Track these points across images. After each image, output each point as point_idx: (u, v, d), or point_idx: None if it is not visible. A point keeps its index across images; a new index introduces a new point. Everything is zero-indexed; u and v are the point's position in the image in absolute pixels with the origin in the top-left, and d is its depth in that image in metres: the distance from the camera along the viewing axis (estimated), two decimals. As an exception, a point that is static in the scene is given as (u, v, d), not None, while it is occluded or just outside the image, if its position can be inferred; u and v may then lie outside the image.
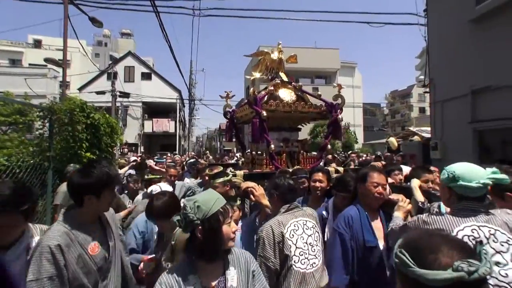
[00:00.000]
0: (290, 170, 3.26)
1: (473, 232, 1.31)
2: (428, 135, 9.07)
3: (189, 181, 4.53)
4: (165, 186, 2.58)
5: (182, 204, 1.47)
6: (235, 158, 11.61)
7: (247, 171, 3.53)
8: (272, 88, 3.76)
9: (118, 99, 16.61)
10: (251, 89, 3.47)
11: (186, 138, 30.78)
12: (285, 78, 3.96)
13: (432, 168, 3.10)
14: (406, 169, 3.60)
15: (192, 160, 7.34)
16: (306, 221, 1.94)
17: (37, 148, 4.26)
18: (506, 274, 1.21)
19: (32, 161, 3.94)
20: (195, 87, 27.82)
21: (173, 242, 1.62)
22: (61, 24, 8.13)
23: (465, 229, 1.33)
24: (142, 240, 2.36)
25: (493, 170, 1.44)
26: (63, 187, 3.63)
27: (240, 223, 2.44)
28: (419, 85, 28.49)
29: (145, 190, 3.67)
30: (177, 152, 21.62)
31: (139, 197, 3.56)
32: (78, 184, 1.51)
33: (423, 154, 8.43)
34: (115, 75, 16.51)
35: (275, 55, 3.97)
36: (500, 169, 2.89)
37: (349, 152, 13.87)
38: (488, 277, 0.65)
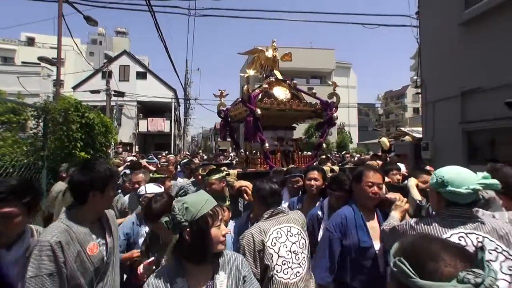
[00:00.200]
0: (285, 169, 3.27)
1: (460, 240, 1.27)
2: (419, 135, 9.21)
3: (181, 181, 4.53)
4: (152, 187, 2.52)
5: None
6: (230, 158, 11.62)
7: (241, 170, 3.51)
8: (266, 86, 3.73)
9: (113, 98, 16.52)
10: (245, 86, 3.42)
11: (181, 137, 30.66)
12: (279, 76, 3.94)
13: (428, 168, 3.11)
14: (402, 168, 3.64)
15: (185, 160, 7.33)
16: (290, 227, 1.85)
17: (31, 148, 4.22)
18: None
19: (26, 161, 3.91)
20: (190, 86, 27.72)
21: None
22: (55, 22, 8.05)
23: (452, 236, 1.29)
24: (126, 242, 2.34)
25: (483, 175, 1.37)
26: (57, 186, 3.62)
27: (233, 224, 2.42)
28: (413, 86, 28.80)
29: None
30: (172, 151, 21.55)
31: (126, 199, 3.34)
32: (83, 180, 1.52)
33: (414, 154, 8.56)
34: (109, 74, 16.37)
35: (269, 53, 3.95)
36: (494, 168, 2.93)
37: (343, 152, 14.01)
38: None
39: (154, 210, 1.82)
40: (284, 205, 2.76)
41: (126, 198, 3.30)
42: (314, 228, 2.34)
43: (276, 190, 1.95)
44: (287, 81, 3.98)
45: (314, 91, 4.27)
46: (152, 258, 1.84)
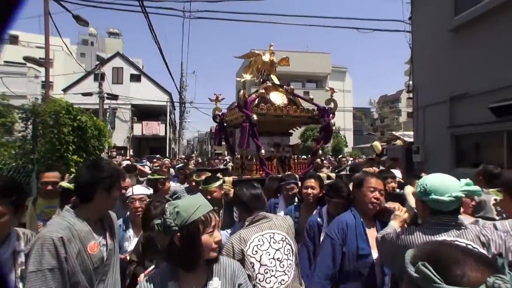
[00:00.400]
0: (280, 176, 3.24)
1: None
2: (410, 139, 9.45)
3: (173, 185, 4.46)
4: (140, 188, 2.49)
5: None
6: (225, 162, 11.55)
7: (236, 177, 3.48)
8: (263, 91, 3.70)
9: (106, 101, 16.33)
10: (241, 91, 3.38)
11: (177, 141, 30.50)
12: (276, 81, 3.91)
13: (423, 175, 3.12)
14: (397, 174, 3.62)
15: (180, 165, 7.24)
16: (273, 233, 1.77)
17: (20, 151, 4.13)
18: None
19: (14, 164, 3.83)
20: (186, 89, 27.69)
21: None
22: (40, 20, 7.76)
23: None
24: None
25: (466, 182, 1.39)
26: None
27: (226, 234, 2.38)
28: (407, 91, 29.18)
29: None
30: (167, 155, 21.38)
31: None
32: (91, 178, 1.51)
33: (406, 157, 8.71)
34: (102, 76, 16.23)
35: (266, 57, 3.91)
36: (487, 169, 2.95)
37: (340, 156, 14.04)
38: None
39: (154, 216, 1.76)
40: (281, 213, 2.79)
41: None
42: (315, 235, 2.32)
43: (257, 195, 1.87)
44: (284, 86, 3.96)
45: (311, 96, 4.22)
46: (152, 267, 1.81)
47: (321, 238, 2.25)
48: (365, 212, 1.96)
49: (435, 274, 0.61)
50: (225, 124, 4.16)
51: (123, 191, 3.07)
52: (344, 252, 1.85)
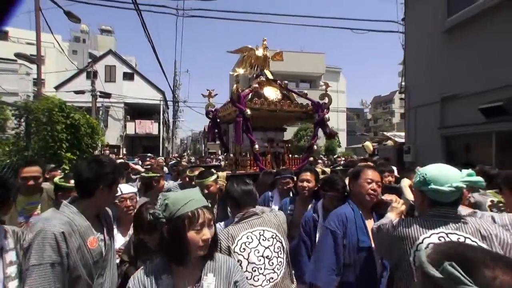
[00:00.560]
0: (275, 170, 3.23)
1: (440, 240, 1.25)
2: (401, 140, 9.59)
3: (166, 183, 4.47)
4: (127, 187, 2.45)
5: None
6: (219, 160, 11.57)
7: (230, 172, 3.46)
8: (256, 85, 3.63)
9: (99, 99, 16.16)
10: (235, 86, 3.30)
11: (170, 140, 30.32)
12: (270, 76, 3.85)
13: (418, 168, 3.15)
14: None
15: (172, 162, 7.22)
16: (263, 231, 1.73)
17: (14, 148, 4.11)
18: None
19: (9, 161, 3.80)
20: (179, 88, 27.53)
21: None
22: (31, 16, 7.68)
23: (432, 236, 1.27)
24: None
25: (468, 172, 1.33)
26: (42, 185, 3.52)
27: (222, 224, 2.35)
28: (399, 91, 29.53)
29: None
30: (160, 154, 21.26)
31: None
32: (96, 174, 1.51)
33: (397, 157, 8.83)
34: (95, 74, 16.03)
35: (260, 52, 3.85)
36: (484, 170, 2.89)
37: (335, 156, 14.22)
38: None
39: (146, 220, 1.70)
40: (275, 207, 2.77)
41: None
42: (311, 230, 2.31)
43: (248, 190, 1.83)
44: (278, 81, 3.90)
45: (305, 91, 4.13)
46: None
47: (317, 234, 2.24)
48: (362, 204, 1.94)
49: (465, 276, 0.57)
50: (218, 120, 4.11)
51: None
52: (345, 245, 1.82)
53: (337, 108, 27.52)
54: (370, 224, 1.88)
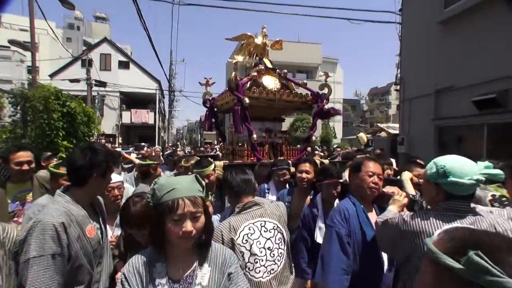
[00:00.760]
0: (272, 161, 3.18)
1: None
2: (395, 131, 9.69)
3: (162, 174, 4.48)
4: (116, 176, 2.34)
5: None
6: (215, 150, 11.58)
7: (227, 162, 3.41)
8: (255, 74, 3.54)
9: (94, 88, 15.97)
10: (233, 73, 3.20)
11: (166, 130, 30.19)
12: (269, 65, 3.76)
13: (419, 161, 2.98)
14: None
15: (168, 151, 7.22)
16: (265, 222, 1.71)
17: (11, 135, 4.10)
18: None
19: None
20: (175, 77, 27.21)
21: None
22: (24, 1, 7.47)
23: None
24: None
25: (485, 164, 1.30)
26: (39, 174, 3.53)
27: (217, 218, 2.32)
28: (395, 83, 29.55)
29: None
30: (156, 143, 21.18)
31: None
32: (90, 162, 1.48)
33: (390, 148, 8.94)
34: (90, 62, 15.79)
35: (259, 40, 3.74)
36: (509, 165, 2.81)
37: (334, 146, 14.31)
38: None
39: (133, 215, 1.61)
40: (272, 197, 2.75)
41: None
42: (311, 225, 2.30)
43: (247, 179, 1.78)
44: (277, 70, 3.81)
45: (304, 81, 3.96)
46: None
47: (316, 228, 2.23)
48: (363, 197, 1.87)
49: (495, 266, 0.51)
50: (215, 109, 4.03)
51: None
52: (349, 241, 1.76)
53: (333, 99, 27.53)
54: (373, 216, 1.85)
